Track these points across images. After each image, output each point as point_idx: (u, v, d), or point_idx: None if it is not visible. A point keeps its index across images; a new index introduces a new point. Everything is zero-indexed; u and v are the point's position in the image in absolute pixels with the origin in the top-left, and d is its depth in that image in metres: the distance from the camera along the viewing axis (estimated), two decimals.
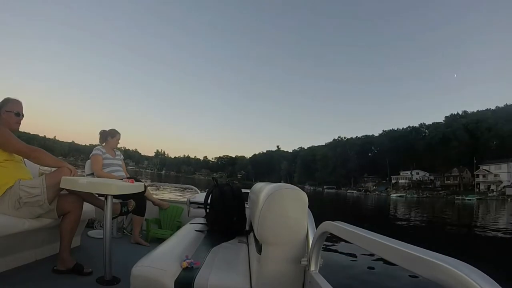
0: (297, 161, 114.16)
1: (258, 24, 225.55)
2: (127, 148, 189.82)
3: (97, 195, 2.09)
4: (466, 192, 59.71)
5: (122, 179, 2.59)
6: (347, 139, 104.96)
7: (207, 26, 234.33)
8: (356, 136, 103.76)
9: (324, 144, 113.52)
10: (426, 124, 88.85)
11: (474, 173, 63.35)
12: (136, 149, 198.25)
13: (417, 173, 76.29)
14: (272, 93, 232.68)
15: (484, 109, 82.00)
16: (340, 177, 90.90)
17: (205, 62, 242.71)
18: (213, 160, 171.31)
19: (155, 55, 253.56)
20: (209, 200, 2.20)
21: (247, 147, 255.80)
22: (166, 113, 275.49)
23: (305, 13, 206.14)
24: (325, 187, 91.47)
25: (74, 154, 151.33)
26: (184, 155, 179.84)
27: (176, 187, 14.03)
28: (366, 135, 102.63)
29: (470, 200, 48.46)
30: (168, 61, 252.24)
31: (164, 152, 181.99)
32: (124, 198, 2.34)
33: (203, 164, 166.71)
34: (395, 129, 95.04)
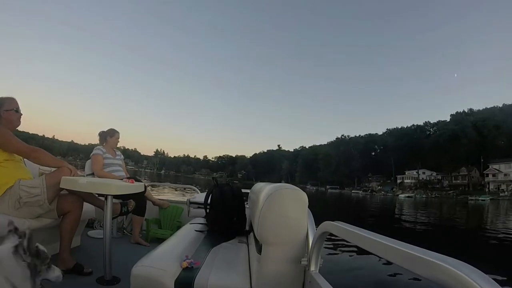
0: (299, 161, 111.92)
1: (258, 24, 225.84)
2: (126, 148, 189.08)
3: (97, 195, 2.09)
4: (475, 192, 56.09)
5: (122, 179, 2.59)
6: (350, 137, 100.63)
7: (207, 26, 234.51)
8: (359, 135, 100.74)
9: (326, 143, 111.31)
10: (431, 122, 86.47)
11: (484, 172, 60.25)
12: (135, 149, 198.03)
13: (423, 173, 73.30)
14: (273, 93, 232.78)
15: (484, 108, 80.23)
16: (343, 176, 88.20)
17: (205, 62, 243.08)
18: (213, 159, 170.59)
19: (155, 55, 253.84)
20: (209, 200, 2.20)
21: (247, 146, 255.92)
22: (166, 113, 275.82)
23: (305, 13, 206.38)
24: (328, 187, 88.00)
25: (73, 154, 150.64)
26: (184, 155, 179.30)
27: (176, 187, 14.03)
28: (370, 134, 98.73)
29: (484, 200, 45.20)
30: (168, 61, 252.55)
31: (163, 152, 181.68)
32: (124, 198, 2.34)
33: (203, 164, 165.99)
34: (399, 127, 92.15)
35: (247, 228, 2.08)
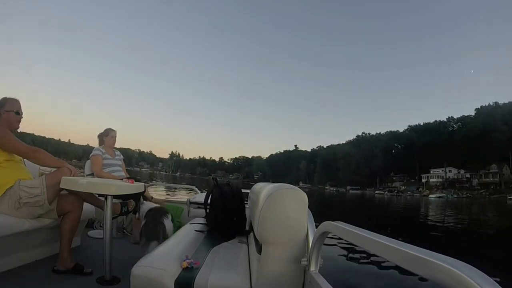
0: (317, 161, 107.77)
1: (276, 20, 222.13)
2: (142, 150, 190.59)
3: (97, 195, 2.09)
4: (508, 190, 51.17)
5: (122, 179, 2.59)
6: (372, 135, 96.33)
7: (235, 26, 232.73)
8: (379, 133, 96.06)
9: (344, 142, 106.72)
10: (455, 117, 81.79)
11: None
12: (151, 151, 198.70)
13: (449, 171, 68.90)
14: (288, 93, 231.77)
15: (509, 101, 72.03)
16: (364, 176, 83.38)
17: (220, 63, 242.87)
18: (229, 161, 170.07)
19: (171, 58, 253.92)
20: (209, 200, 2.20)
21: (263, 147, 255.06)
22: (181, 115, 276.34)
23: (317, 6, 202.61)
24: (348, 187, 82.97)
25: (88, 157, 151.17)
26: (199, 157, 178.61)
27: (176, 187, 14.04)
28: (390, 131, 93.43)
29: None
30: (184, 63, 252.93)
31: (179, 154, 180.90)
32: (124, 198, 2.34)
33: (219, 165, 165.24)
34: (421, 124, 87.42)
35: (247, 228, 2.08)
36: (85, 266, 1.87)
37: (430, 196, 54.62)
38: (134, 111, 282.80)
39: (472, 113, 77.25)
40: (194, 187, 4.19)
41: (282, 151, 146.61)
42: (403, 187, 74.30)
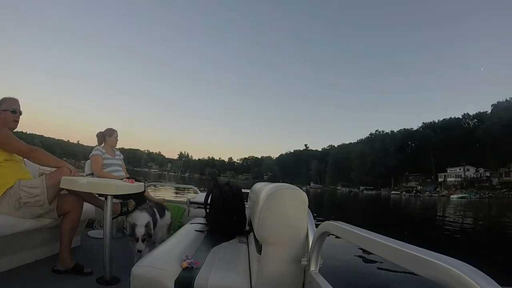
0: (328, 160, 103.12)
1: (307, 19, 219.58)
2: (150, 151, 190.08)
3: (97, 195, 2.09)
4: None
5: (122, 179, 2.59)
6: (386, 133, 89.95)
7: (238, 26, 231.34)
8: (392, 131, 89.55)
9: (356, 141, 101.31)
10: (471, 114, 77.05)
11: None
12: (159, 152, 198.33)
13: (467, 170, 64.79)
14: (297, 92, 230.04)
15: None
16: (378, 176, 78.88)
17: (230, 65, 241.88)
18: (238, 161, 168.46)
19: (181, 59, 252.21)
20: (209, 200, 2.20)
21: (273, 147, 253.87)
22: (190, 116, 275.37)
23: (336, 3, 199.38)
24: (362, 188, 78.88)
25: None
26: (208, 157, 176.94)
27: (176, 187, 14.04)
28: (405, 129, 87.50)
29: None
30: (194, 64, 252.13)
31: (187, 154, 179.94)
32: (124, 198, 2.33)
33: (228, 166, 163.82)
34: (436, 121, 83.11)
35: (247, 228, 2.08)
36: (85, 266, 1.87)
37: (452, 196, 50.99)
38: (143, 112, 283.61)
39: (488, 109, 73.71)
40: (194, 187, 4.19)
41: (292, 151, 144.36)
42: (420, 187, 69.61)
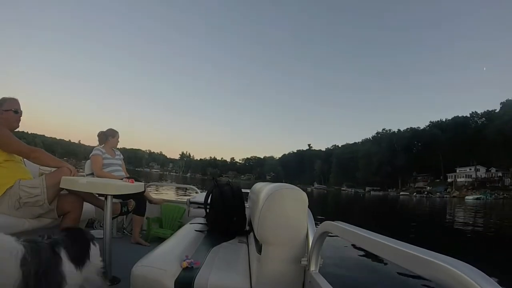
0: (332, 160, 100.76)
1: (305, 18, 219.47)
2: (152, 151, 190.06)
3: (97, 195, 2.09)
4: None
5: (122, 179, 2.59)
6: (392, 132, 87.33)
7: (240, 26, 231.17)
8: (399, 130, 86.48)
9: (361, 140, 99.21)
10: (479, 112, 74.71)
11: None
12: (161, 152, 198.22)
13: (477, 170, 62.67)
14: (300, 92, 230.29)
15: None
16: (385, 177, 76.39)
17: (232, 65, 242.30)
18: (240, 161, 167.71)
19: (181, 59, 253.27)
20: (209, 200, 2.20)
21: (275, 147, 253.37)
22: (192, 116, 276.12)
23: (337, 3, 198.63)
24: (368, 188, 76.76)
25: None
26: (210, 157, 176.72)
27: (176, 187, 14.04)
28: (411, 128, 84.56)
29: None
30: (194, 64, 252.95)
31: (189, 155, 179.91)
32: (124, 198, 2.34)
33: (230, 166, 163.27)
34: (443, 120, 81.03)
35: (247, 228, 2.08)
36: None
37: (467, 197, 48.76)
38: (143, 112, 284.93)
39: (497, 107, 71.55)
40: (193, 187, 4.19)
41: (295, 151, 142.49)
42: (429, 188, 68.17)
